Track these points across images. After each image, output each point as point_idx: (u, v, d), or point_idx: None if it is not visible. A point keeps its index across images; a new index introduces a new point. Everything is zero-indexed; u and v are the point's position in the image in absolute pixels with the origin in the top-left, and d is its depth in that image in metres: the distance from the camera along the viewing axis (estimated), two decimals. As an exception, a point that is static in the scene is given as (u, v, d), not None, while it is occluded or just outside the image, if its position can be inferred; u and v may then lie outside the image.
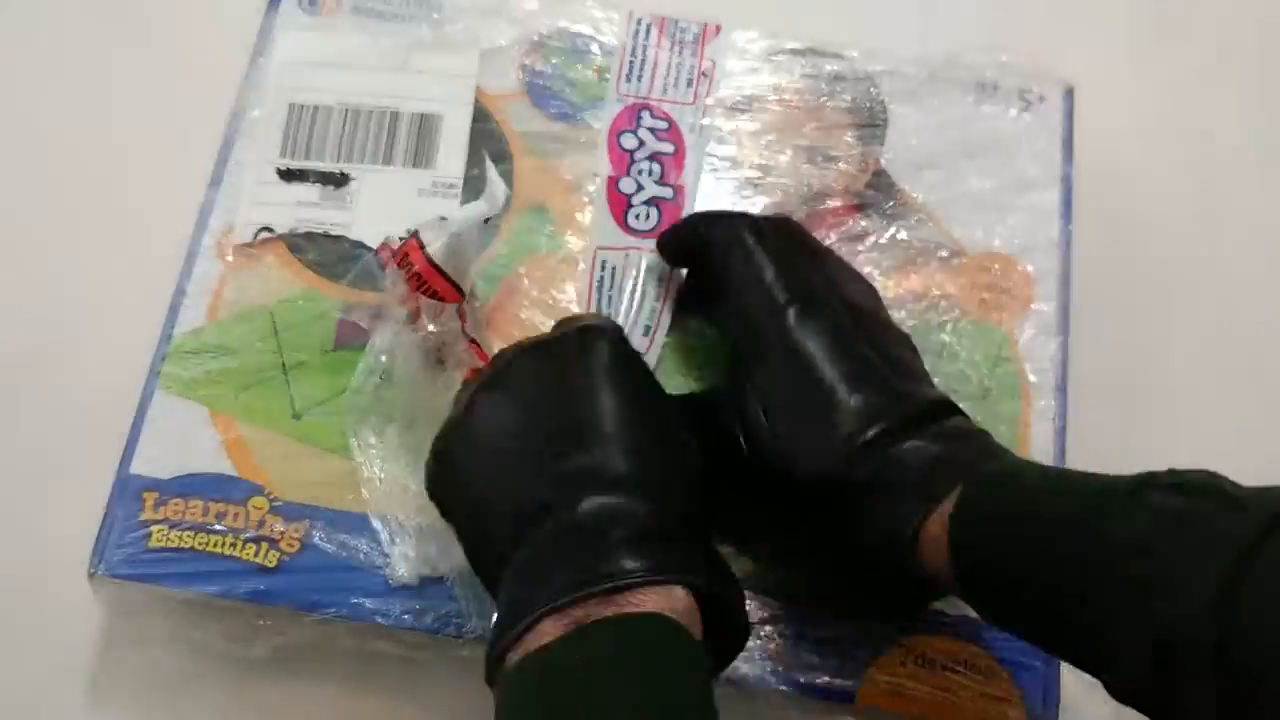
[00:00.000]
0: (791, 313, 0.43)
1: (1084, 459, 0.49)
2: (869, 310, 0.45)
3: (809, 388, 0.41)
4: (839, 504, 0.40)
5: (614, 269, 0.50)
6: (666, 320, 0.50)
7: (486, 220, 0.44)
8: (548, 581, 0.34)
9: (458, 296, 0.44)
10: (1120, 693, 0.33)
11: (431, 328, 0.45)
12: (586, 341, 0.40)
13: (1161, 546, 0.32)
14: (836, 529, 0.40)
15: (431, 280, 0.43)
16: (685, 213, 0.52)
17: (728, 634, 0.37)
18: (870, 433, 0.39)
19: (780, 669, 0.45)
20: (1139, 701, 0.33)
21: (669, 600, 0.34)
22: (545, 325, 0.50)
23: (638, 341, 0.49)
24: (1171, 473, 0.34)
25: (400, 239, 0.45)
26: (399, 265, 0.44)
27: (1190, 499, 0.32)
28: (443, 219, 0.43)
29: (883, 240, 0.52)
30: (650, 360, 0.48)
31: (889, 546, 0.38)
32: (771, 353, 0.42)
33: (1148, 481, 0.33)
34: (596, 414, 0.38)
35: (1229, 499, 0.32)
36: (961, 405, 0.48)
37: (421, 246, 0.43)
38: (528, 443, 0.38)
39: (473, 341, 0.46)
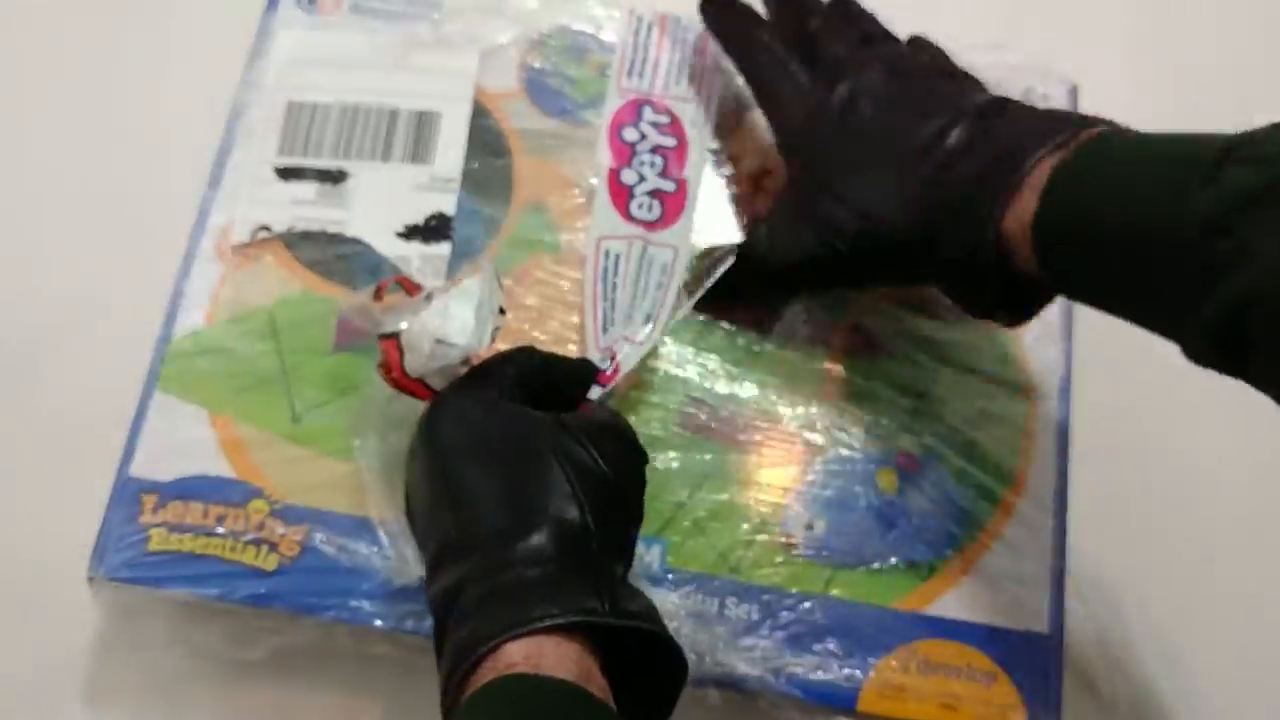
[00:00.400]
0: (835, 98, 0.46)
1: (1089, 460, 0.49)
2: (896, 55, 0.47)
3: (865, 154, 0.44)
4: (928, 226, 0.42)
5: (618, 256, 0.50)
6: (669, 308, 0.49)
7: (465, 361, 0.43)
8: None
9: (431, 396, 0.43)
10: (1194, 358, 0.36)
11: None
12: (433, 422, 0.41)
13: (1237, 225, 0.33)
14: (927, 254, 0.43)
15: (408, 387, 0.42)
16: (687, 206, 0.51)
17: (651, 661, 0.37)
18: (932, 162, 0.42)
19: (781, 671, 0.45)
20: (1212, 365, 0.36)
21: (524, 652, 0.34)
22: (547, 321, 0.50)
23: (638, 330, 0.48)
24: (1248, 141, 0.34)
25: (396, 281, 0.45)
26: (378, 367, 0.43)
27: (1264, 171, 0.33)
28: (438, 341, 0.42)
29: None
30: (649, 345, 0.48)
31: (974, 232, 0.40)
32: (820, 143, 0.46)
33: (1226, 155, 0.34)
34: (447, 488, 0.39)
35: None
36: (964, 405, 0.49)
37: (400, 356, 0.42)
38: (416, 507, 0.42)
39: None
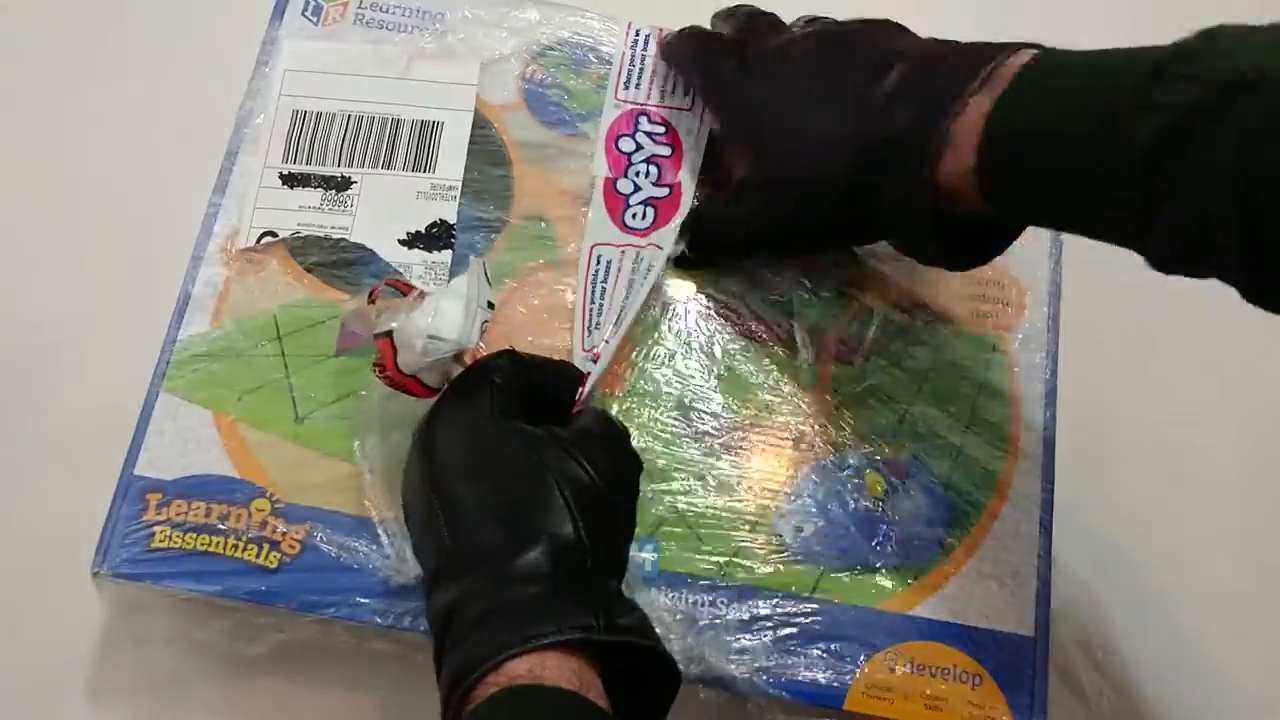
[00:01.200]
0: (763, 79, 0.47)
1: (1072, 465, 0.50)
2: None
3: (800, 111, 0.45)
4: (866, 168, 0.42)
5: (609, 263, 0.51)
6: (632, 311, 0.50)
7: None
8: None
9: (431, 395, 0.44)
10: (1157, 269, 0.37)
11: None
12: (428, 439, 0.42)
13: (1169, 159, 0.34)
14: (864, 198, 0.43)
15: (403, 384, 0.43)
16: (680, 210, 0.52)
17: (644, 673, 0.38)
18: (863, 112, 0.43)
19: (769, 671, 0.45)
20: (1177, 271, 0.37)
21: (527, 666, 0.35)
22: (544, 328, 0.50)
23: (608, 332, 0.49)
24: (1181, 56, 0.34)
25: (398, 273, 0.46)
26: (373, 366, 0.43)
27: (1204, 91, 0.33)
28: (430, 337, 0.42)
29: (872, 250, 0.52)
30: (612, 347, 0.49)
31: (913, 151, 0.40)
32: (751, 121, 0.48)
33: (1158, 75, 0.34)
34: (444, 505, 0.40)
35: (1238, 82, 0.33)
36: (950, 410, 0.50)
37: (394, 353, 0.43)
38: (412, 522, 0.43)
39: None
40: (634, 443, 0.45)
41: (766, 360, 0.50)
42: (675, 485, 0.48)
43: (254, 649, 0.49)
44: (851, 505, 0.48)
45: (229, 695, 0.50)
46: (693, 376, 0.50)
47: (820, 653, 0.46)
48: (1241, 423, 0.55)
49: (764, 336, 0.51)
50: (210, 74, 0.58)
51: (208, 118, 0.55)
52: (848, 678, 0.45)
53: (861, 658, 0.46)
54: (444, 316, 0.42)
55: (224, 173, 0.53)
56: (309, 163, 0.53)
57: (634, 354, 0.50)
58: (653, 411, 0.49)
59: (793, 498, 0.48)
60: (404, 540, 0.46)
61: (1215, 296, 0.57)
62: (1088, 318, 0.53)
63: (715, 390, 0.50)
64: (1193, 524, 0.53)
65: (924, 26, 0.48)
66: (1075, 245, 0.53)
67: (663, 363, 0.50)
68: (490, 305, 0.44)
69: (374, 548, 0.47)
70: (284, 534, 0.47)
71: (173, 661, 0.50)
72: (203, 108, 0.56)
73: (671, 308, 0.51)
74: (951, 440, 0.49)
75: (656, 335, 0.51)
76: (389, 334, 0.43)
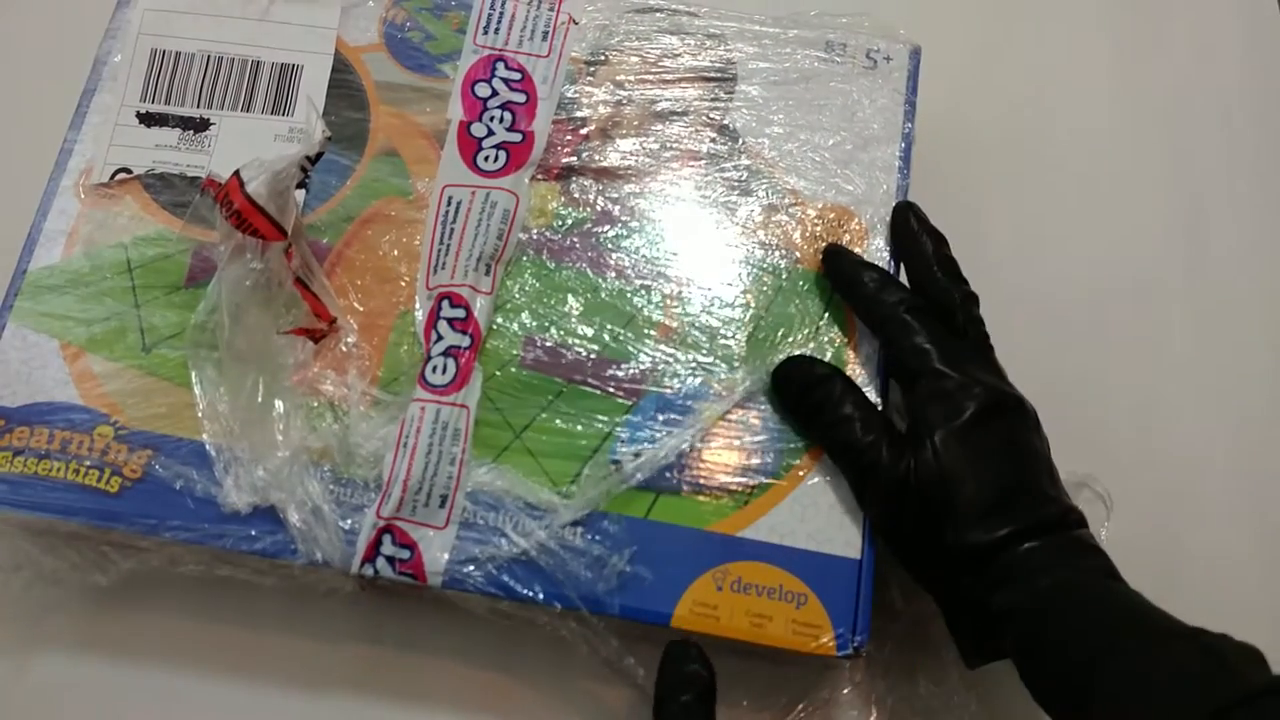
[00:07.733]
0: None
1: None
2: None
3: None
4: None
5: (459, 204, 0.52)
6: (509, 255, 0.51)
7: (311, 160, 0.45)
8: None
9: (279, 235, 0.45)
10: None
11: (256, 265, 0.46)
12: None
13: None
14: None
15: (251, 218, 0.44)
16: (532, 156, 0.53)
17: None
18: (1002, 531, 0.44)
19: (600, 590, 0.46)
20: None
21: None
22: (391, 266, 0.51)
23: (481, 279, 0.51)
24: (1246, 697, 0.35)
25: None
26: (220, 204, 0.45)
27: None
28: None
29: (726, 193, 0.54)
30: (495, 295, 0.50)
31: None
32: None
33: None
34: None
35: None
36: (793, 339, 0.51)
37: (242, 185, 0.44)
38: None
39: (298, 281, 0.48)
40: (485, 372, 0.47)
41: (615, 300, 0.51)
42: (520, 415, 0.49)
43: (102, 578, 0.50)
44: (690, 433, 0.49)
45: (80, 624, 0.51)
46: (542, 311, 0.51)
47: (651, 572, 0.47)
48: (1066, 352, 0.57)
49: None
50: (70, 11, 0.58)
51: (66, 55, 0.55)
52: (676, 596, 0.46)
53: (690, 577, 0.47)
54: (286, 151, 0.43)
55: (80, 110, 0.54)
56: (167, 103, 0.54)
57: (496, 292, 0.51)
58: (503, 342, 0.50)
59: (632, 427, 0.49)
60: (235, 466, 0.47)
61: (1052, 253, 0.59)
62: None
63: (564, 325, 0.51)
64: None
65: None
66: (919, 190, 0.55)
67: (513, 297, 0.51)
68: (326, 135, 0.45)
69: (212, 474, 0.47)
70: (125, 460, 0.48)
71: (20, 592, 0.50)
72: (61, 45, 0.56)
73: (532, 247, 0.52)
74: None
75: (516, 271, 0.52)
76: (235, 173, 0.44)
